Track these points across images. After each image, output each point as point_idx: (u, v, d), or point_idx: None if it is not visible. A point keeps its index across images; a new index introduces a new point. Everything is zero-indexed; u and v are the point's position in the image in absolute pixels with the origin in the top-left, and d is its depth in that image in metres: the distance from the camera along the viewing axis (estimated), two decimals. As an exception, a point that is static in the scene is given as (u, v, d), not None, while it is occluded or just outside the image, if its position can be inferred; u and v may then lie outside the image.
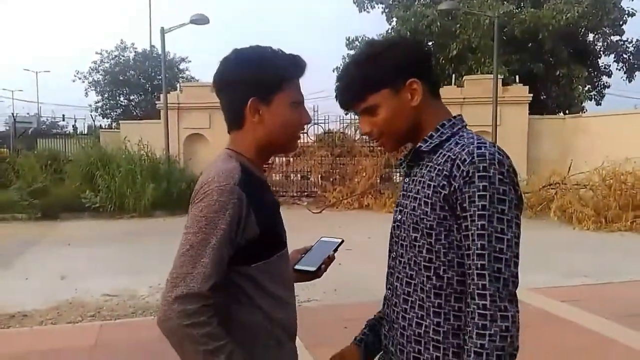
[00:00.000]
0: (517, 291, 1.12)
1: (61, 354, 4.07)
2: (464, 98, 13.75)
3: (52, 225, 10.40)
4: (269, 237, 1.27)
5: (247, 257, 1.24)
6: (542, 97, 18.16)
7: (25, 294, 5.60)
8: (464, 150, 1.15)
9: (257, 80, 1.27)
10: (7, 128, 17.21)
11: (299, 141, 1.42)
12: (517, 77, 15.25)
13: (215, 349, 1.13)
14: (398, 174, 13.94)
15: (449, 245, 1.16)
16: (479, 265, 1.10)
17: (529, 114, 14.28)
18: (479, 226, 1.10)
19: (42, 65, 77.71)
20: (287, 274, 1.36)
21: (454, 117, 1.28)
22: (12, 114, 17.91)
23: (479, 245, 1.10)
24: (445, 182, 1.15)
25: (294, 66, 1.33)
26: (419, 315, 1.20)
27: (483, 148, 1.14)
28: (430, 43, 17.40)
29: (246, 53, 1.31)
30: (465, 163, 1.12)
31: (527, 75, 16.28)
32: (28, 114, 25.77)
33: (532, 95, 14.38)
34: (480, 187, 1.10)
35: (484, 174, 1.11)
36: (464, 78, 15.14)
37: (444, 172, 1.16)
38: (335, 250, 1.55)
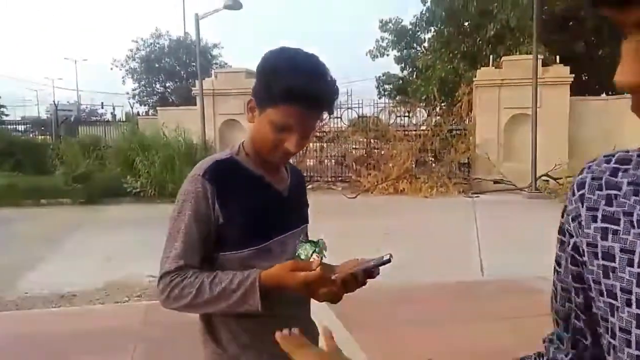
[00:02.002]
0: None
1: (111, 333, 4.22)
2: (502, 80, 13.38)
3: (96, 210, 10.71)
4: (237, 230, 1.31)
5: (219, 244, 1.33)
6: (584, 78, 17.56)
7: (73, 274, 5.81)
8: None
9: (262, 85, 1.29)
10: (49, 115, 17.70)
11: (283, 155, 1.33)
12: (557, 57, 14.76)
13: (197, 292, 1.25)
14: (433, 157, 13.72)
15: None
16: None
17: (570, 95, 13.85)
18: None
19: (80, 54, 79.56)
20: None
21: None
22: (54, 102, 18.43)
23: None
24: None
25: (297, 95, 1.23)
26: None
27: None
28: (466, 23, 16.94)
29: (276, 56, 1.29)
30: None
31: (568, 55, 15.74)
32: (68, 102, 26.54)
33: (573, 75, 13.94)
34: None
35: None
36: (502, 59, 14.74)
37: None
38: (375, 267, 1.27)
